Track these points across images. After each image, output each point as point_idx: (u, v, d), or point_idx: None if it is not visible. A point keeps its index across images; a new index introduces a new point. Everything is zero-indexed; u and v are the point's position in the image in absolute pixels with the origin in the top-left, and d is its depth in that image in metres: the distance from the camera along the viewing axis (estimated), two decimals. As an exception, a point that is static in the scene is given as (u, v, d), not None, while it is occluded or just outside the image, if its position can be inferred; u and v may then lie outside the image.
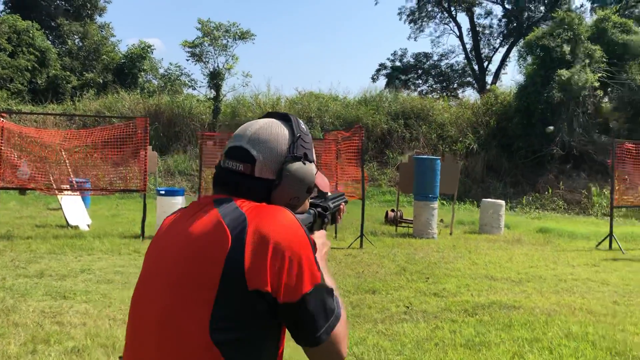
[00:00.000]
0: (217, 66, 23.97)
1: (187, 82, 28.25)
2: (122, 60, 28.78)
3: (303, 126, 1.41)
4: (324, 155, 12.45)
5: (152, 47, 29.26)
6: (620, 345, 4.73)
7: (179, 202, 10.37)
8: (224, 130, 21.04)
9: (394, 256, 9.21)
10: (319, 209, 1.55)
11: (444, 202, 17.49)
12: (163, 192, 10.47)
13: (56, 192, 11.04)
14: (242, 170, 1.32)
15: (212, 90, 24.09)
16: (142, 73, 28.98)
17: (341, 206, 1.69)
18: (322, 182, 1.56)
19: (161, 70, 30.43)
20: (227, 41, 23.89)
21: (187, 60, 27.26)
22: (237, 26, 24.10)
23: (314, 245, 1.27)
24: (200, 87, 26.40)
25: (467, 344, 4.77)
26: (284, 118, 1.41)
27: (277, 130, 1.37)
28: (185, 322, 1.21)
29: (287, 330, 1.29)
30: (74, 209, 11.28)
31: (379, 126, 22.94)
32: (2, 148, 9.86)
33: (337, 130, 16.80)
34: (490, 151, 21.52)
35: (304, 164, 1.36)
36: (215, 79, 23.87)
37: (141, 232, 10.09)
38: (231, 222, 1.23)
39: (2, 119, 10.03)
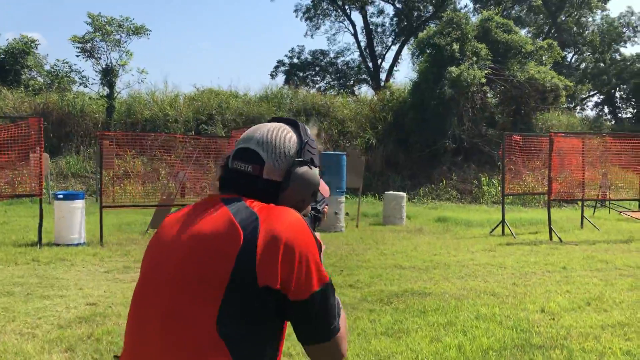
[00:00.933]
0: (110, 62, 22.95)
1: (77, 79, 26.71)
2: (2, 56, 26.64)
3: (309, 132, 1.47)
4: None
5: (37, 42, 27.39)
6: (523, 323, 5.14)
7: (79, 206, 9.83)
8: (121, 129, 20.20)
9: (306, 251, 9.34)
10: (313, 212, 1.59)
11: (348, 196, 17.93)
12: (61, 196, 9.88)
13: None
14: (251, 171, 1.36)
15: (105, 87, 22.99)
16: (26, 70, 27.00)
17: (325, 208, 1.73)
18: (323, 188, 1.61)
19: (47, 67, 28.52)
20: (120, 36, 22.93)
21: (77, 56, 25.84)
22: (131, 21, 23.19)
23: (320, 246, 1.32)
24: (92, 84, 24.93)
25: (387, 332, 4.97)
26: (291, 123, 1.46)
27: (286, 135, 1.41)
28: (192, 317, 1.22)
29: (294, 328, 1.33)
30: (-42, 217, 10.37)
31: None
32: None
33: (242, 127, 16.68)
34: (388, 146, 22.33)
35: (310, 168, 1.41)
36: (108, 75, 22.81)
37: (38, 239, 9.47)
38: (242, 220, 1.25)
39: None
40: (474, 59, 21.94)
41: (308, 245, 1.27)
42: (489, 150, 21.97)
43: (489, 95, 24.17)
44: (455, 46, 21.66)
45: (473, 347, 4.47)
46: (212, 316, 1.21)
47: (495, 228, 11.88)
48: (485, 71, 21.97)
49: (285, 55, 40.04)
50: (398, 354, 4.39)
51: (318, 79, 40.94)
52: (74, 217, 9.68)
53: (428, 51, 22.82)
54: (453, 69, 21.02)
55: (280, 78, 39.10)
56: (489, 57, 22.26)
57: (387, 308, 5.77)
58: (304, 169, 1.39)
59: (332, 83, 40.75)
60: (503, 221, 11.76)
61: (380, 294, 6.34)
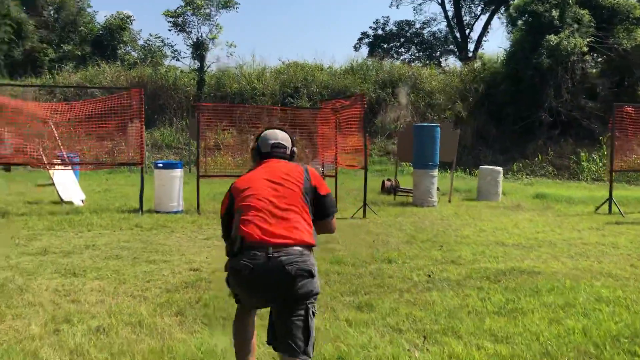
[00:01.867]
0: (201, 36, 23.41)
1: (169, 53, 27.54)
2: (101, 32, 27.90)
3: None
4: (320, 126, 12.22)
5: (132, 18, 28.46)
6: (654, 308, 4.70)
7: (177, 174, 10.09)
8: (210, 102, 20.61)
9: (400, 225, 9.12)
10: None
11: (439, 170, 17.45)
12: (161, 165, 10.18)
13: (47, 167, 10.68)
14: (283, 152, 3.12)
15: (196, 61, 23.53)
16: (122, 45, 28.16)
17: None
18: None
19: (140, 42, 29.60)
20: (210, 10, 23.28)
21: (170, 30, 26.66)
22: (220, -6, 23.48)
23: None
24: (183, 57, 25.57)
25: (500, 311, 4.69)
26: (283, 130, 3.22)
27: (287, 136, 3.20)
28: (296, 191, 2.90)
29: (320, 210, 2.97)
30: (67, 184, 10.95)
31: (367, 95, 22.65)
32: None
33: (329, 100, 16.51)
34: (479, 118, 21.48)
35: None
36: (198, 49, 23.32)
37: (140, 206, 9.83)
38: (300, 165, 3.04)
39: (-11, 92, 9.56)
40: (575, 26, 20.50)
41: (320, 176, 3.06)
42: (588, 124, 20.64)
43: (590, 65, 22.61)
44: (555, 12, 20.32)
45: (600, 332, 4.12)
46: (302, 195, 2.88)
47: (601, 206, 11.12)
48: (587, 39, 20.50)
49: (370, 27, 39.32)
50: (516, 335, 4.12)
51: (403, 50, 39.92)
52: (173, 186, 9.96)
53: (524, 18, 21.57)
54: (551, 37, 19.77)
55: (364, 50, 38.52)
56: (592, 24, 20.72)
57: (496, 286, 5.47)
58: (295, 148, 3.20)
59: (417, 54, 39.63)
60: (610, 198, 10.98)
61: (486, 272, 6.04)
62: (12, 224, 8.51)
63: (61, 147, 11.17)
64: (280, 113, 16.03)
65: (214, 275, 5.79)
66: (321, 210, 2.91)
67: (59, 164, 10.64)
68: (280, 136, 3.11)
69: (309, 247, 2.73)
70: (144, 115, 10.20)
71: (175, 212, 9.85)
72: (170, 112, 22.16)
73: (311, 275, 2.68)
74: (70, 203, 10.52)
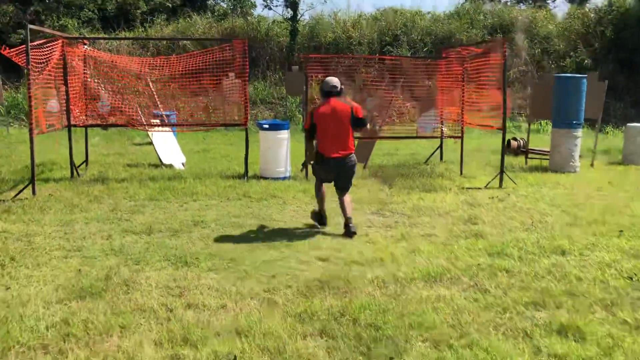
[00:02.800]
0: (294, -19, 21.96)
1: (260, 1, 26.40)
2: (190, -19, 27.07)
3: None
4: (440, 78, 10.70)
5: (220, -33, 27.35)
6: None
7: (284, 136, 9.03)
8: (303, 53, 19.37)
9: (550, 199, 7.63)
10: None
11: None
12: (266, 126, 9.13)
13: (146, 128, 9.94)
14: (339, 91, 6.17)
15: (289, 9, 22.18)
16: (211, -6, 27.26)
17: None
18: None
19: (230, -9, 28.52)
20: (304, -47, 21.70)
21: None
22: None
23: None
24: (276, 6, 24.27)
25: None
26: (337, 77, 6.34)
27: (338, 80, 6.26)
28: (346, 124, 6.09)
29: (358, 124, 6.20)
30: (166, 145, 10.21)
31: (475, 42, 20.58)
32: (88, 79, 8.71)
33: (447, 47, 14.78)
34: (606, 67, 18.93)
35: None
36: (291, -4, 21.91)
37: (244, 171, 8.90)
38: (348, 102, 6.24)
39: (85, 47, 8.81)
40: None
41: (359, 108, 6.22)
42: None
43: None
44: None
45: None
46: (349, 123, 6.09)
47: None
48: None
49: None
50: None
51: (505, -8, 36.61)
52: (280, 149, 8.94)
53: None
54: (702, -32, 16.81)
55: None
56: None
57: None
58: (343, 86, 6.31)
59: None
60: None
61: None
62: (113, 192, 7.81)
63: (159, 104, 10.36)
64: (379, 63, 14.57)
65: (350, 272, 4.69)
66: (359, 124, 6.15)
67: (158, 125, 9.84)
68: (335, 80, 6.12)
69: (352, 153, 6.14)
70: (248, 70, 9.07)
71: (283, 179, 8.85)
72: (263, 65, 21.13)
73: (355, 165, 6.17)
74: (171, 166, 9.78)
